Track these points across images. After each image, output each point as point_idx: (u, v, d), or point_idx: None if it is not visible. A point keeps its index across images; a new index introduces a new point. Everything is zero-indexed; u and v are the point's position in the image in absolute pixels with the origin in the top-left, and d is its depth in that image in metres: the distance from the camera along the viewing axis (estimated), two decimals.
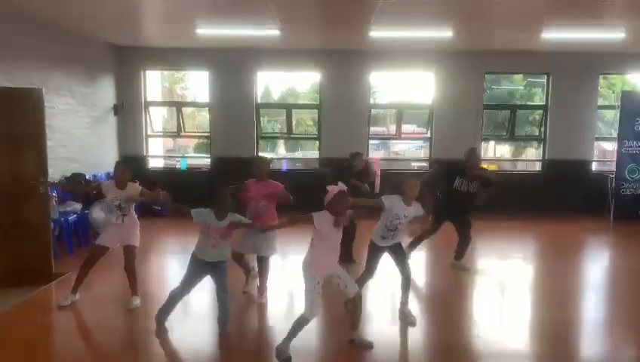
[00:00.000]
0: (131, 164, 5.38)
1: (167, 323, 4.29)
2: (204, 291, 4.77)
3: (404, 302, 4.74)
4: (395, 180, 4.65)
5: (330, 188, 3.85)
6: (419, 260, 6.12)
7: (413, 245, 6.33)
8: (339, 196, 3.79)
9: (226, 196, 4.10)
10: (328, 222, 3.81)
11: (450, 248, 6.38)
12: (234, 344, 4.21)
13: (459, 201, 6.09)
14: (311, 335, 4.26)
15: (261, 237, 4.80)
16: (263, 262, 5.10)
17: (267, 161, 5.12)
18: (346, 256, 6.06)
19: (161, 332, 4.26)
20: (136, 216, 5.04)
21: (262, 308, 5.04)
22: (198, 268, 4.20)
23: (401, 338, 4.44)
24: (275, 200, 4.97)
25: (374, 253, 4.65)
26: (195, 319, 4.79)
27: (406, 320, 4.65)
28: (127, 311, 4.82)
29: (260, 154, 10.43)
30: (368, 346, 4.07)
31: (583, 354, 4.34)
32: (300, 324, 3.82)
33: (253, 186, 4.94)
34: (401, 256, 4.67)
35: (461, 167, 6.17)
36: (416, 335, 4.49)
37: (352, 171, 6.37)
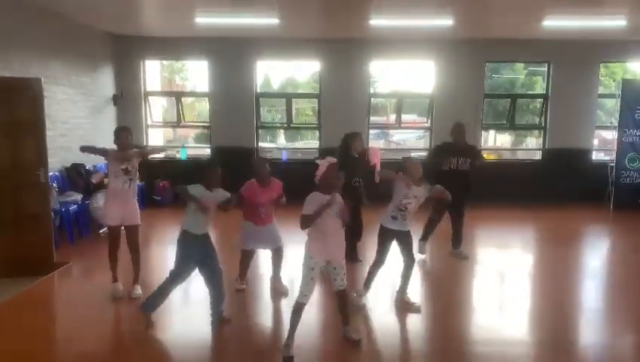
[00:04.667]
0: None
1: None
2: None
3: (403, 290, 4.75)
4: (397, 166, 4.62)
5: (319, 161, 3.77)
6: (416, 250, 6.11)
7: (424, 238, 6.35)
8: (329, 169, 3.71)
9: (216, 172, 4.16)
10: (321, 202, 3.66)
11: (447, 237, 6.41)
12: (243, 337, 4.24)
13: (456, 184, 5.96)
14: (312, 330, 4.29)
15: (266, 229, 4.87)
16: (278, 253, 5.10)
17: (267, 162, 5.06)
18: (352, 255, 5.99)
19: (149, 324, 4.24)
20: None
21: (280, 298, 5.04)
22: (193, 247, 4.17)
23: (400, 327, 4.47)
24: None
25: (384, 237, 4.64)
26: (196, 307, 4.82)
27: (409, 308, 4.65)
28: (130, 299, 4.84)
29: (260, 149, 10.37)
30: (355, 343, 3.96)
31: (583, 341, 4.37)
32: (294, 312, 3.81)
33: (260, 191, 4.85)
34: (408, 244, 4.65)
35: (450, 147, 6.20)
36: (416, 323, 4.51)
37: (352, 156, 5.99)
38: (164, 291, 4.20)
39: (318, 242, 3.77)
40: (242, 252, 5.10)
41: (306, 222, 3.67)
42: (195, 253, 4.18)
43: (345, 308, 4.03)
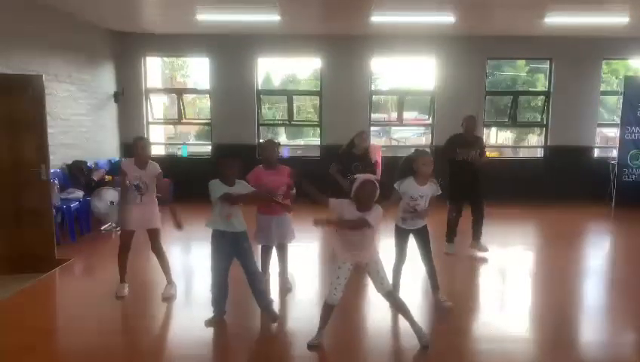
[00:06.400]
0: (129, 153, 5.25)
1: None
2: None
3: (435, 288, 4.66)
4: (405, 162, 4.48)
5: (357, 176, 3.64)
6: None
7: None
8: (362, 185, 3.56)
9: (232, 163, 4.02)
10: (348, 212, 3.58)
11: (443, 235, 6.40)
12: (248, 334, 4.24)
13: (469, 174, 6.07)
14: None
15: (280, 224, 4.81)
16: (283, 249, 5.08)
17: (278, 145, 4.96)
18: None
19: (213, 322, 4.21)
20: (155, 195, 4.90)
21: (284, 294, 5.03)
22: (222, 243, 4.10)
23: (401, 324, 4.46)
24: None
25: (399, 236, 4.58)
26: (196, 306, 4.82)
27: (441, 305, 4.60)
28: (130, 298, 4.84)
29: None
30: (424, 348, 3.81)
31: (584, 339, 4.36)
32: (323, 310, 3.80)
33: (265, 175, 4.73)
34: (424, 241, 4.57)
35: (460, 138, 6.20)
36: (420, 321, 4.50)
37: (354, 154, 5.93)
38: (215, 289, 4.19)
39: (341, 243, 3.72)
40: (261, 248, 5.07)
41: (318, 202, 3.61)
42: (224, 249, 4.11)
43: (401, 311, 3.90)
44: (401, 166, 4.51)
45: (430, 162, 4.35)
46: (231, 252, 4.13)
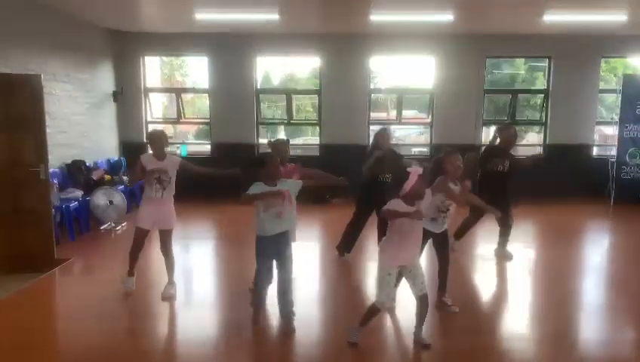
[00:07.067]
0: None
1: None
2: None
3: (442, 289, 4.63)
4: (435, 163, 4.34)
5: (410, 169, 3.54)
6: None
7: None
8: (421, 180, 3.50)
9: (275, 162, 3.92)
10: (404, 208, 3.49)
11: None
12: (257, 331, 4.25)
13: (500, 182, 5.99)
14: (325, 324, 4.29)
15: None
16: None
17: (288, 144, 4.93)
18: (344, 246, 6.05)
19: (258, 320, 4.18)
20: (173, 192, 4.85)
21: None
22: (268, 248, 3.99)
23: (401, 323, 4.47)
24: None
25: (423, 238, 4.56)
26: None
27: (447, 309, 4.57)
28: (130, 297, 4.84)
29: (260, 145, 10.31)
30: (425, 346, 3.86)
31: (584, 337, 4.37)
32: (370, 312, 3.78)
33: None
34: (443, 245, 4.55)
35: (497, 149, 6.09)
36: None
37: (380, 153, 5.69)
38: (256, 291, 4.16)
39: (395, 248, 3.66)
40: None
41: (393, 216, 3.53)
42: (269, 252, 4.01)
43: (423, 313, 3.87)
44: (432, 168, 4.42)
45: (460, 160, 4.24)
46: (273, 255, 4.04)
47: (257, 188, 3.82)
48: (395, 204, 3.55)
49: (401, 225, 3.55)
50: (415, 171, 3.51)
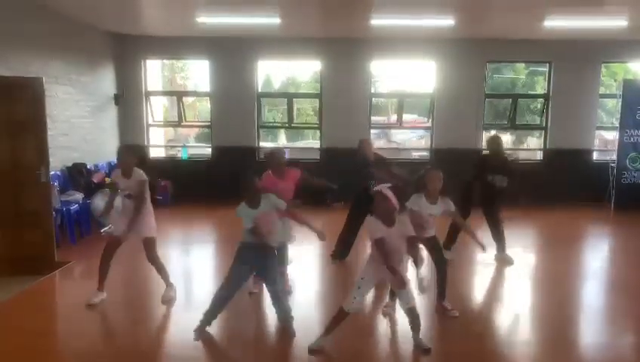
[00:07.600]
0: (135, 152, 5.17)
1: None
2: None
3: (442, 295, 4.61)
4: (417, 179, 4.39)
5: (377, 188, 3.55)
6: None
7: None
8: (384, 200, 3.48)
9: (250, 183, 3.91)
10: (380, 231, 3.51)
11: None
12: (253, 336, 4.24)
13: (489, 191, 6.02)
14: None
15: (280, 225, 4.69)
16: (283, 251, 5.00)
17: (284, 154, 4.96)
18: (339, 252, 6.04)
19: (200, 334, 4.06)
20: (150, 205, 4.83)
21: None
22: (245, 255, 4.03)
23: (400, 327, 4.46)
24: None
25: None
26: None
27: (447, 313, 4.55)
28: (130, 300, 4.85)
29: (261, 148, 10.30)
30: (425, 351, 3.83)
31: (584, 341, 4.37)
32: (335, 317, 3.78)
33: (277, 182, 4.71)
34: (435, 249, 4.55)
35: (492, 162, 6.13)
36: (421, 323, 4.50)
37: (366, 161, 5.81)
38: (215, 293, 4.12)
39: (376, 264, 3.66)
40: None
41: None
42: (245, 259, 4.05)
43: (415, 324, 3.86)
44: (415, 183, 4.46)
45: (439, 178, 4.26)
46: (253, 265, 4.09)
47: (243, 211, 3.91)
48: (373, 224, 3.56)
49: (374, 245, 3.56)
50: (380, 190, 3.51)
